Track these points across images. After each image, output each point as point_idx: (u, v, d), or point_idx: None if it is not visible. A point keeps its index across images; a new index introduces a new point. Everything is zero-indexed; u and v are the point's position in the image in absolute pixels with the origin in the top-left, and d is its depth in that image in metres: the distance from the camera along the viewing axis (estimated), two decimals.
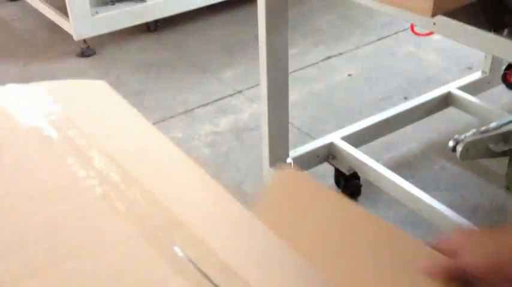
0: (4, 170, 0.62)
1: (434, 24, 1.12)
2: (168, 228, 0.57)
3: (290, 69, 2.68)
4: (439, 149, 2.11)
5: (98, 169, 0.63)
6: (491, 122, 1.70)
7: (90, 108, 0.79)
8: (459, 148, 1.48)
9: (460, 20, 1.09)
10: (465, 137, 1.50)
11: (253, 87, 2.57)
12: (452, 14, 1.08)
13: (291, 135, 2.15)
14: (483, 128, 1.55)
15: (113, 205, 0.58)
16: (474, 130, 1.55)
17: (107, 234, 0.56)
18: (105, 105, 0.81)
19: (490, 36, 1.05)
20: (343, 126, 2.04)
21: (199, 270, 0.52)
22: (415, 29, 1.53)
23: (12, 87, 0.74)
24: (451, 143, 1.50)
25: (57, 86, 0.81)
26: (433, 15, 0.84)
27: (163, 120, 2.40)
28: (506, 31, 1.03)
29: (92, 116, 0.76)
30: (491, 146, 1.53)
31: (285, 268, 0.63)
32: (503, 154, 1.55)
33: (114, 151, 0.67)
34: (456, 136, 1.51)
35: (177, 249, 0.54)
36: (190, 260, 0.53)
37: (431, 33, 1.22)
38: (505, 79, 1.26)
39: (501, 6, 1.07)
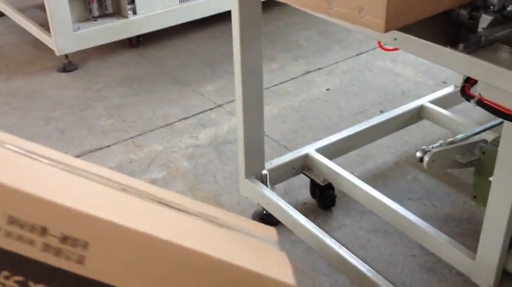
0: None
1: (395, 39, 1.17)
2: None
3: (270, 84, 2.77)
4: (412, 161, 2.16)
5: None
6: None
7: None
8: (426, 159, 1.53)
9: (420, 35, 1.14)
10: (432, 148, 1.54)
11: (232, 101, 2.61)
12: (414, 29, 1.13)
13: (269, 148, 2.20)
14: (450, 140, 1.60)
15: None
16: (441, 141, 1.60)
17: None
18: None
19: (447, 50, 1.10)
20: (320, 139, 2.09)
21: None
22: (383, 45, 1.59)
23: None
24: (418, 154, 1.55)
25: None
26: (386, 30, 0.89)
27: (143, 134, 2.43)
28: (461, 46, 1.08)
29: None
30: (457, 157, 1.57)
31: None
32: (470, 164, 1.59)
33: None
34: (423, 147, 1.55)
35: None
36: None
37: (396, 48, 1.27)
38: (463, 92, 1.31)
39: (456, 22, 1.12)
